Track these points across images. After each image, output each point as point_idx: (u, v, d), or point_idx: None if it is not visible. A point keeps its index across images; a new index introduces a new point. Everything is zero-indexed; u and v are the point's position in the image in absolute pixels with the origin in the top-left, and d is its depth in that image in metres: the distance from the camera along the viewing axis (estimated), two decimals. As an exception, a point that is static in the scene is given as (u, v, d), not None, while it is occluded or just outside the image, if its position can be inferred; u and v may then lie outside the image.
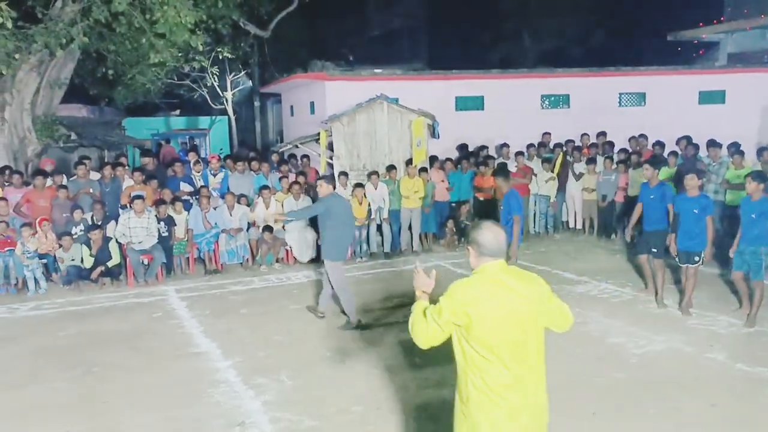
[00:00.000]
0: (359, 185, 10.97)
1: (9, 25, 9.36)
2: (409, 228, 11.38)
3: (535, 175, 12.26)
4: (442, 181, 11.85)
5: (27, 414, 5.33)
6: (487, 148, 13.27)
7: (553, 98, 16.10)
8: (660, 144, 12.21)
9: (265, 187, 10.87)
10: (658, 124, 14.19)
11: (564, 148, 12.94)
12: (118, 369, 6.26)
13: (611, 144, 13.13)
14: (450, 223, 11.74)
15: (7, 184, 10.04)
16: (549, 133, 13.80)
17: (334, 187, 7.63)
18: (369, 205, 10.98)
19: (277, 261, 10.59)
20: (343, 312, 7.50)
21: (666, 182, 8.68)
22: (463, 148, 13.56)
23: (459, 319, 2.93)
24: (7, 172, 10.26)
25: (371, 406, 5.28)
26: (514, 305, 2.95)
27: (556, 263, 10.21)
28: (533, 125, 14.51)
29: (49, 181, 10.08)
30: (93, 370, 6.24)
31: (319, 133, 12.35)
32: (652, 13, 26.08)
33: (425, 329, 3.02)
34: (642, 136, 12.87)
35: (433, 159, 12.26)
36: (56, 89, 12.88)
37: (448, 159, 12.35)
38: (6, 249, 9.11)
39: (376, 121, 12.16)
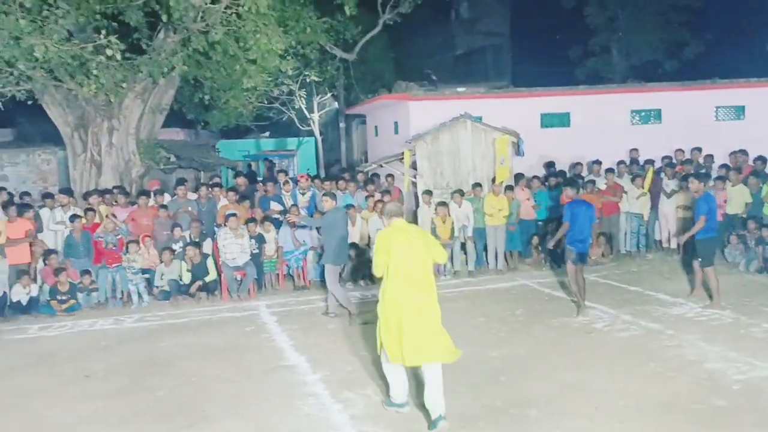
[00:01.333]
0: (442, 203, 11.03)
1: (118, 57, 10.09)
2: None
3: (626, 192, 11.89)
4: (528, 199, 11.71)
5: (131, 419, 5.67)
6: (580, 164, 13.01)
7: (643, 113, 15.61)
8: (762, 159, 11.57)
9: (351, 205, 11.12)
10: (759, 138, 13.45)
11: (654, 164, 12.50)
12: (214, 380, 6.56)
13: (710, 157, 12.58)
14: (535, 242, 11.57)
15: (114, 203, 10.78)
16: (636, 149, 13.39)
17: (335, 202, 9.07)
18: (453, 223, 11.01)
19: (362, 278, 10.76)
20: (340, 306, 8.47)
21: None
22: (549, 165, 13.36)
23: (383, 252, 5.37)
24: (115, 191, 11.02)
25: (456, 423, 5.28)
26: (410, 242, 5.37)
27: (649, 284, 9.85)
28: (622, 141, 14.12)
29: (151, 201, 10.75)
30: (191, 381, 6.57)
31: (403, 153, 12.52)
32: (749, 23, 24.80)
33: (374, 264, 5.50)
34: (741, 151, 12.24)
35: (518, 177, 12.14)
36: (158, 114, 13.75)
37: (534, 177, 12.20)
38: (114, 265, 9.77)
39: (459, 139, 12.20)
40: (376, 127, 19.01)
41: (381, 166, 13.29)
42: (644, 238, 12.20)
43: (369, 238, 10.83)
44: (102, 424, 5.57)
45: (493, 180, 11.82)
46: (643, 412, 5.36)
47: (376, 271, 5.48)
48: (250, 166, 22.24)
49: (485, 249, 11.34)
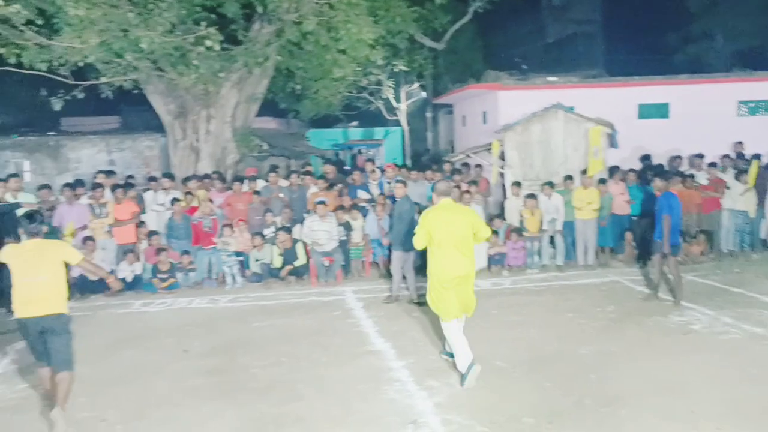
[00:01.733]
0: (531, 195, 10.83)
1: (217, 47, 10.51)
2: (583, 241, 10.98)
3: (728, 188, 11.24)
4: (622, 193, 11.27)
5: (227, 395, 5.95)
6: (679, 158, 12.41)
7: (752, 104, 14.66)
8: None
9: (438, 195, 11.09)
10: None
11: (760, 159, 11.74)
12: (303, 361, 6.77)
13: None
14: (629, 237, 11.15)
15: (211, 188, 11.27)
16: (741, 143, 12.61)
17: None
18: (541, 216, 10.79)
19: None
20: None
21: None
22: (645, 158, 12.82)
23: (424, 228, 6.17)
24: (213, 176, 11.52)
25: (543, 419, 5.21)
26: (452, 218, 6.12)
27: (753, 285, 9.28)
28: (727, 134, 13.34)
29: (245, 187, 11.17)
30: (282, 360, 6.81)
31: (491, 143, 12.36)
32: None
33: (415, 237, 6.29)
34: None
35: (613, 170, 11.70)
36: (252, 103, 14.22)
37: (631, 170, 11.71)
38: (210, 247, 10.24)
39: (550, 130, 11.92)
40: (463, 116, 18.85)
41: (468, 156, 13.18)
42: (749, 237, 11.50)
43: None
44: (202, 399, 5.87)
45: (584, 172, 11.47)
46: (743, 419, 5.09)
47: (416, 243, 6.35)
48: (337, 155, 22.63)
49: (574, 243, 11.04)
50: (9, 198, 9.22)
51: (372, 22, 11.99)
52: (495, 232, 10.80)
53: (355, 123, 28.45)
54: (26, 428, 5.40)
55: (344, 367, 6.55)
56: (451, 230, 6.07)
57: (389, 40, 14.71)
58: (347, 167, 18.02)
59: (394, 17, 13.78)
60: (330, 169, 12.35)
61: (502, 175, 12.15)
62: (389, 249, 9.76)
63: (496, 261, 10.68)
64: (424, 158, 22.60)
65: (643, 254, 10.62)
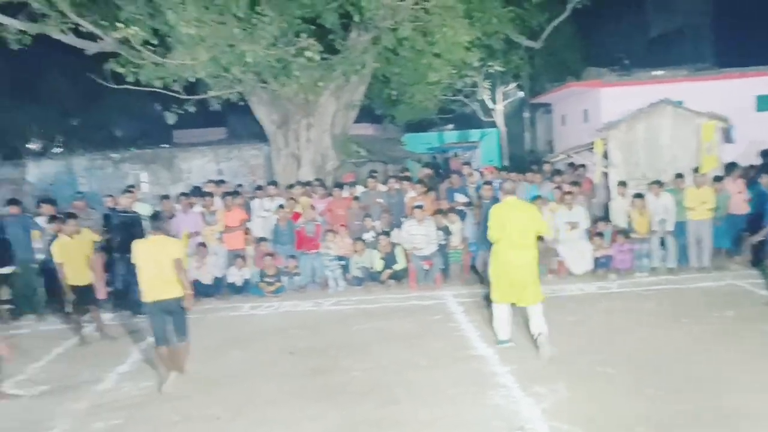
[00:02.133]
0: (639, 195, 10.37)
1: (317, 57, 10.81)
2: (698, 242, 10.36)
3: None
4: (740, 192, 10.54)
5: (330, 397, 6.10)
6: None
7: None
8: None
9: (538, 197, 10.86)
10: None
11: None
12: (404, 364, 6.82)
13: None
14: (747, 238, 10.40)
15: (313, 195, 11.59)
16: None
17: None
18: (650, 216, 10.30)
19: (549, 272, 10.49)
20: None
21: None
22: (766, 154, 11.95)
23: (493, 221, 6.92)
24: (315, 183, 11.86)
25: (655, 430, 4.97)
26: (516, 215, 6.87)
27: None
28: None
29: (345, 192, 11.41)
30: (383, 364, 6.89)
31: (593, 142, 11.95)
32: None
33: (488, 231, 7.00)
34: None
35: (731, 166, 10.96)
36: (350, 111, 14.52)
37: (751, 166, 10.91)
38: (313, 251, 10.54)
39: (657, 126, 11.35)
40: (563, 116, 18.38)
41: (569, 156, 12.82)
42: None
43: (557, 231, 10.51)
44: (306, 400, 6.06)
45: (696, 170, 10.84)
46: None
47: (489, 236, 7.12)
48: (435, 158, 22.65)
49: (687, 245, 10.43)
50: (137, 207, 9.90)
51: (467, 25, 11.92)
52: (600, 234, 10.42)
53: (450, 126, 28.36)
54: (150, 423, 5.77)
55: (446, 372, 6.54)
56: (514, 224, 6.88)
57: (485, 41, 14.56)
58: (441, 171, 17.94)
59: (490, 18, 13.63)
60: (427, 173, 12.37)
61: (605, 175, 11.71)
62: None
63: (601, 264, 10.31)
64: (528, 159, 22.20)
65: (756, 257, 9.88)
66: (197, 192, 11.49)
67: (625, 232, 10.39)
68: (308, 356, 7.32)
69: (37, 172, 17.77)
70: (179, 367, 6.62)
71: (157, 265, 6.40)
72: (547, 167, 12.69)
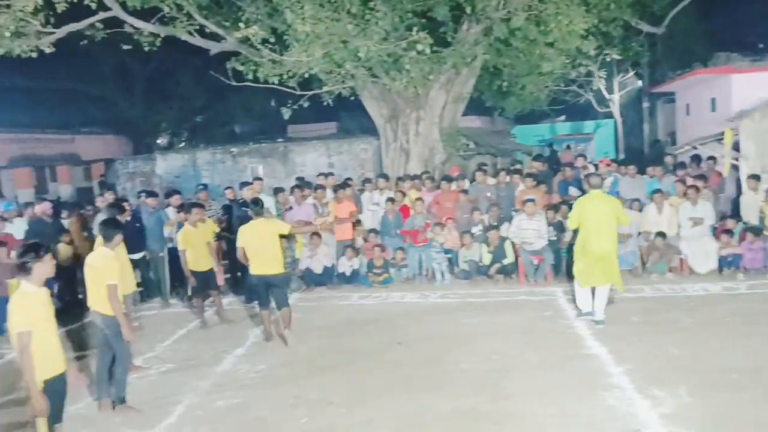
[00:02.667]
0: (774, 190, 9.59)
1: (427, 51, 10.82)
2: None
3: None
4: None
5: (438, 388, 6.11)
6: None
7: None
8: None
9: (658, 191, 10.31)
10: None
11: None
12: (514, 360, 6.72)
13: None
14: None
15: (422, 188, 11.64)
16: None
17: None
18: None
19: (669, 270, 9.93)
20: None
21: None
22: None
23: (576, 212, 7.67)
24: (423, 176, 11.91)
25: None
26: (599, 206, 7.54)
27: None
28: None
29: (453, 186, 11.37)
30: (492, 358, 6.82)
31: (722, 133, 11.15)
32: None
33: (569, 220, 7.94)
34: None
35: None
36: (459, 103, 14.44)
37: None
38: (421, 244, 10.59)
39: (797, 115, 10.43)
40: (687, 105, 17.28)
41: (695, 147, 12.05)
42: None
43: (679, 227, 9.94)
44: (416, 389, 6.11)
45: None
46: None
47: (569, 224, 8.07)
48: (550, 150, 22.10)
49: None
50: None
51: (584, 12, 11.47)
52: (728, 232, 9.74)
53: (562, 117, 27.47)
54: (267, 404, 6.05)
55: (557, 369, 6.38)
56: (597, 215, 7.53)
57: (602, 28, 13.95)
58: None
59: (608, 4, 13.02)
60: (539, 166, 12.07)
61: (735, 167, 10.91)
62: None
63: (729, 263, 9.62)
64: (653, 149, 21.10)
65: None
66: (305, 184, 11.85)
67: (757, 230, 9.63)
68: (416, 347, 7.38)
69: (165, 165, 19.06)
70: (286, 324, 7.63)
71: (261, 245, 7.49)
72: (669, 160, 12.02)
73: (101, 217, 10.32)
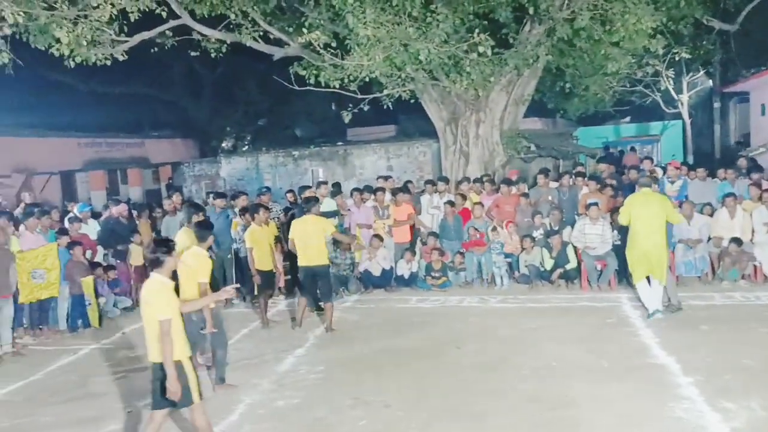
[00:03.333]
0: None
1: (489, 53, 10.72)
2: None
3: None
4: None
5: (499, 393, 6.04)
6: None
7: None
8: None
9: (731, 194, 9.88)
10: None
11: None
12: (577, 367, 6.58)
13: None
14: None
15: (481, 191, 11.54)
16: None
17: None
18: None
19: (742, 278, 9.51)
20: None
21: None
22: None
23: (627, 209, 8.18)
24: (484, 179, 11.81)
25: None
26: (648, 204, 8.02)
27: None
28: None
29: (514, 189, 11.22)
30: (552, 364, 6.70)
31: (801, 134, 10.60)
32: None
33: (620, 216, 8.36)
34: None
35: None
36: (520, 105, 14.24)
37: None
38: (480, 249, 10.48)
39: None
40: (762, 105, 16.50)
41: (770, 150, 11.50)
42: None
43: (753, 233, 9.51)
44: (476, 394, 6.07)
45: None
46: None
47: (620, 220, 8.45)
48: (612, 152, 21.53)
49: None
50: (324, 204, 10.49)
51: (652, 10, 11.12)
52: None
53: (627, 119, 26.69)
54: (325, 404, 6.13)
55: (621, 378, 6.21)
56: (647, 212, 7.98)
57: (671, 27, 13.51)
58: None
59: (678, 1, 12.58)
60: (604, 168, 11.77)
61: (815, 171, 10.35)
62: None
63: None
64: (726, 154, 20.25)
65: None
66: (369, 189, 11.90)
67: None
68: (475, 351, 7.33)
69: (229, 168, 19.58)
70: (329, 322, 8.37)
71: (308, 239, 8.18)
72: (742, 162, 11.51)
73: (169, 219, 10.73)
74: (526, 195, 11.06)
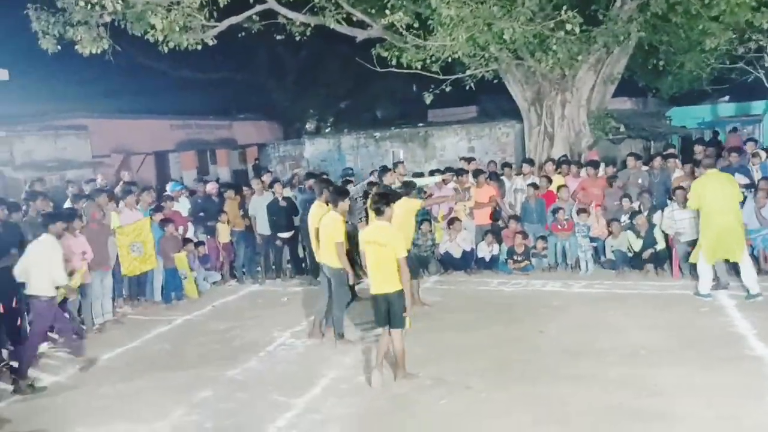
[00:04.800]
0: None
1: (576, 30, 10.37)
2: None
3: None
4: None
5: (583, 379, 5.92)
6: None
7: None
8: None
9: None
10: None
11: None
12: (665, 356, 6.35)
13: None
14: None
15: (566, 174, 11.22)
16: None
17: None
18: None
19: None
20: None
21: None
22: None
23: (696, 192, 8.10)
24: (572, 160, 11.47)
25: None
26: (720, 184, 7.95)
27: None
28: None
29: (601, 171, 10.86)
30: (640, 353, 6.49)
31: None
32: None
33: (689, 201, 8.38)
34: None
35: None
36: (609, 84, 13.72)
37: None
38: (565, 233, 10.22)
39: None
40: None
41: None
42: None
43: None
44: (559, 379, 5.99)
45: None
46: None
47: (689, 205, 8.43)
48: (713, 132, 20.46)
49: None
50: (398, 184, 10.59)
51: (757, -20, 10.43)
52: None
53: (725, 98, 25.13)
54: (407, 382, 6.21)
55: (714, 369, 5.94)
56: (718, 192, 7.92)
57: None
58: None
59: (786, -30, 11.71)
60: (700, 150, 11.18)
61: None
62: None
63: None
64: None
65: None
66: (450, 170, 11.83)
67: None
68: (558, 336, 7.20)
69: (312, 149, 19.94)
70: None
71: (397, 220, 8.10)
72: None
73: (257, 198, 11.08)
74: (614, 178, 10.68)
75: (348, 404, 5.80)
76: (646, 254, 9.57)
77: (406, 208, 8.07)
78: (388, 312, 5.94)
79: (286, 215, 10.77)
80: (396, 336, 6.01)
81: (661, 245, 9.54)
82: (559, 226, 10.23)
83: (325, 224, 7.20)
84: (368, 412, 5.64)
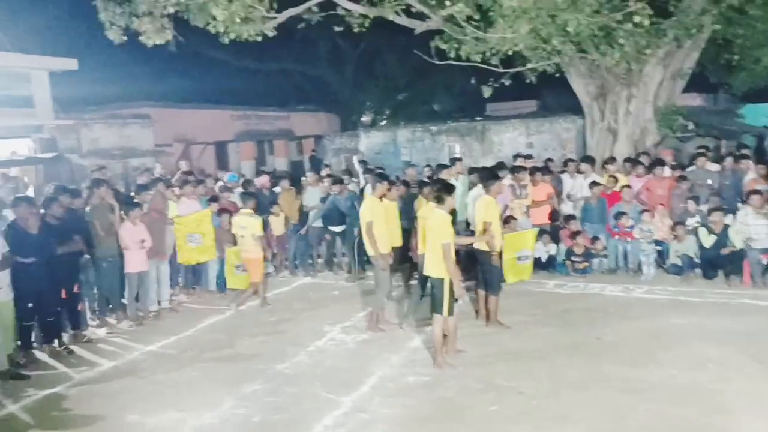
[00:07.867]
0: None
1: (646, 23, 9.91)
2: None
3: None
4: None
5: (641, 391, 5.63)
6: None
7: None
8: None
9: None
10: None
11: None
12: (733, 370, 5.98)
13: None
14: None
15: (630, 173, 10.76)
16: None
17: None
18: None
19: None
20: None
21: None
22: None
23: None
24: (638, 158, 10.98)
25: None
26: None
27: None
28: None
29: (667, 171, 10.37)
30: (706, 366, 6.14)
31: None
32: None
33: None
34: None
35: None
36: (678, 80, 13.13)
37: None
38: (626, 235, 9.83)
39: None
40: None
41: None
42: None
43: None
44: (614, 389, 5.73)
45: None
46: None
47: None
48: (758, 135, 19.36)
49: None
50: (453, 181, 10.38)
51: None
52: None
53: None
54: (456, 384, 6.06)
55: (785, 386, 5.56)
56: None
57: None
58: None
59: None
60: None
61: None
62: None
63: None
64: None
65: None
66: (503, 166, 11.54)
67: None
68: (617, 344, 6.89)
69: (367, 141, 19.91)
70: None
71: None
72: None
73: (312, 190, 11.09)
74: (683, 178, 10.17)
75: (395, 405, 5.69)
76: (726, 250, 9.04)
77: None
78: (433, 294, 6.32)
79: (336, 209, 10.75)
80: (436, 321, 6.32)
81: (738, 246, 9.00)
82: (620, 232, 9.82)
83: (423, 216, 7.29)
84: (415, 416, 5.51)
